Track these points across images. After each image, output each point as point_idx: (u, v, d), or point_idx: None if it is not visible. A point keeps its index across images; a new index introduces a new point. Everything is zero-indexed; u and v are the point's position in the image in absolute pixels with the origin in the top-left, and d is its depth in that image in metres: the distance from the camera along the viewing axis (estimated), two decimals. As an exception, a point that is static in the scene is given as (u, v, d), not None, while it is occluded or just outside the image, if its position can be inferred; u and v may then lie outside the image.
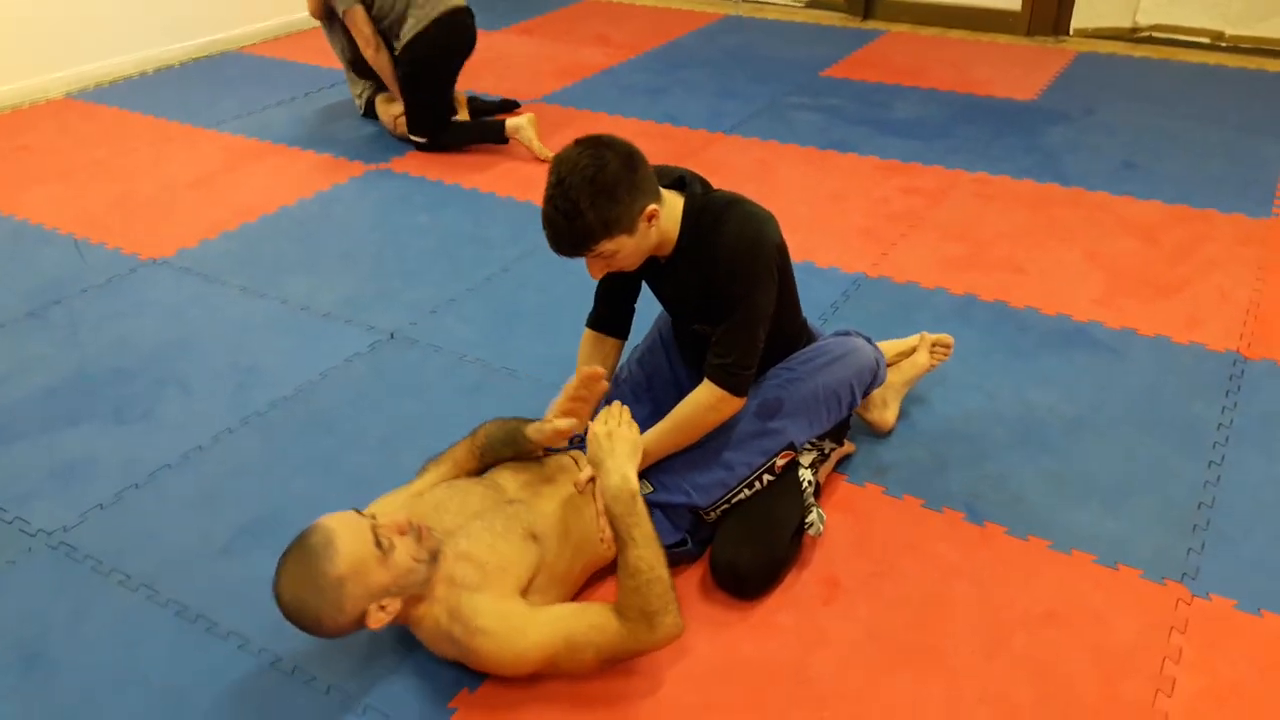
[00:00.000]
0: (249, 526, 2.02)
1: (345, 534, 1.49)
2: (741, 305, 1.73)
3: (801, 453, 1.91)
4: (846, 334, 2.04)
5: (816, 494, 1.92)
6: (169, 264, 3.05)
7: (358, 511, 1.57)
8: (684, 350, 2.04)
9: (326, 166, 3.72)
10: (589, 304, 2.04)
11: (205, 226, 3.27)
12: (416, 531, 1.56)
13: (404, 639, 1.73)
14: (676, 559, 1.81)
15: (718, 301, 1.76)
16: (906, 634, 1.74)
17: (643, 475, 1.83)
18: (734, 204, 1.78)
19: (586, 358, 2.02)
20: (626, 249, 1.69)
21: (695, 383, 1.94)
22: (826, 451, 2.00)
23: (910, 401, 2.33)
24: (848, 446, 2.12)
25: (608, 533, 1.73)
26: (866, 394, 2.02)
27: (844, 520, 1.98)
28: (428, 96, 3.76)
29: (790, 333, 1.95)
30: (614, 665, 1.62)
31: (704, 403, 1.79)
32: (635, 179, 1.65)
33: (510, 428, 1.88)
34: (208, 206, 3.41)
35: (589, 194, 1.60)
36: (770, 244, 1.75)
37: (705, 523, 1.86)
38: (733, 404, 1.79)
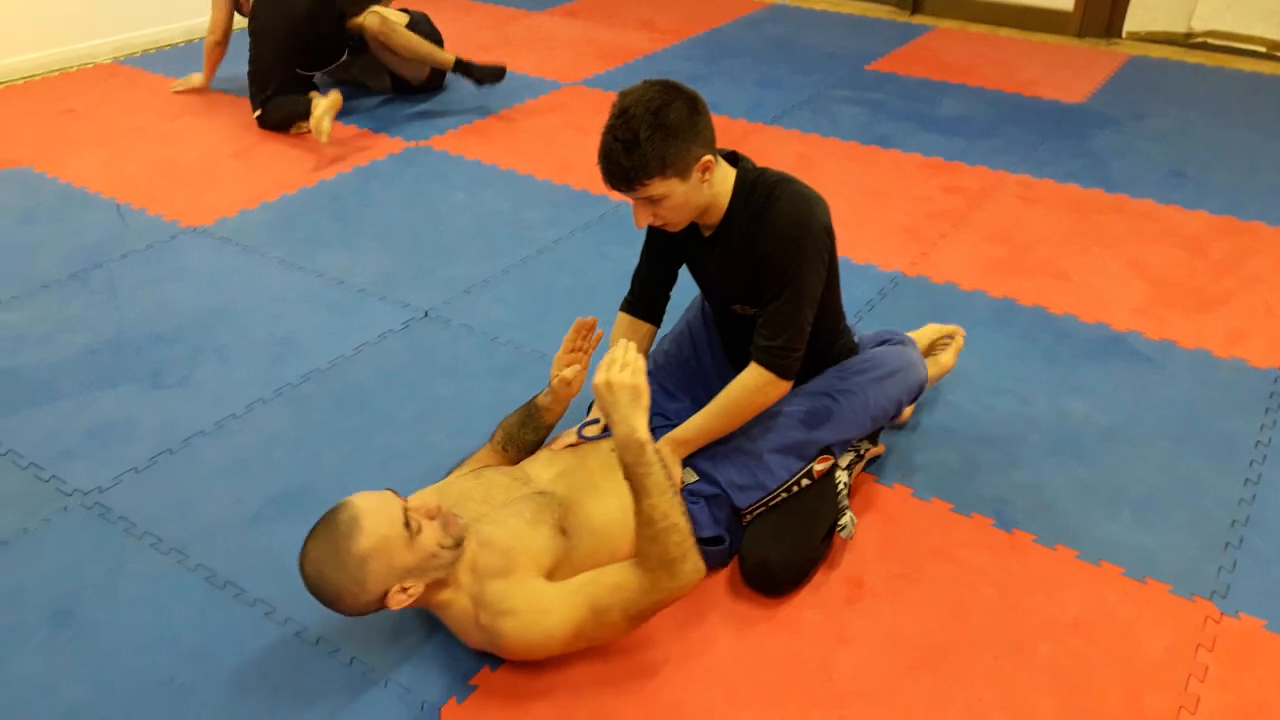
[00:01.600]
0: (279, 497, 2.04)
1: (375, 512, 1.50)
2: (791, 284, 1.73)
3: (839, 457, 1.91)
4: (899, 341, 2.03)
5: (848, 494, 1.92)
6: (209, 233, 3.08)
7: (393, 492, 1.57)
8: (722, 334, 2.04)
9: (366, 141, 3.73)
10: (623, 289, 2.04)
11: (245, 197, 3.29)
12: (444, 518, 1.57)
13: (429, 615, 1.74)
14: (711, 557, 1.80)
15: (765, 280, 1.76)
16: (929, 637, 1.74)
17: (686, 463, 1.83)
18: (786, 182, 1.77)
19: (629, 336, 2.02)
20: (677, 196, 1.68)
21: (729, 372, 1.94)
22: (862, 453, 1.99)
23: (943, 404, 2.31)
24: (878, 448, 2.11)
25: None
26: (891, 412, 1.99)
27: (872, 521, 1.97)
28: (252, 68, 3.82)
29: (831, 325, 1.94)
30: (644, 621, 1.59)
31: (751, 385, 1.79)
32: (697, 125, 1.65)
33: (523, 409, 1.90)
34: (248, 177, 3.44)
35: (650, 126, 1.60)
36: (820, 225, 1.75)
37: (739, 522, 1.85)
38: (780, 387, 1.79)
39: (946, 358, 2.28)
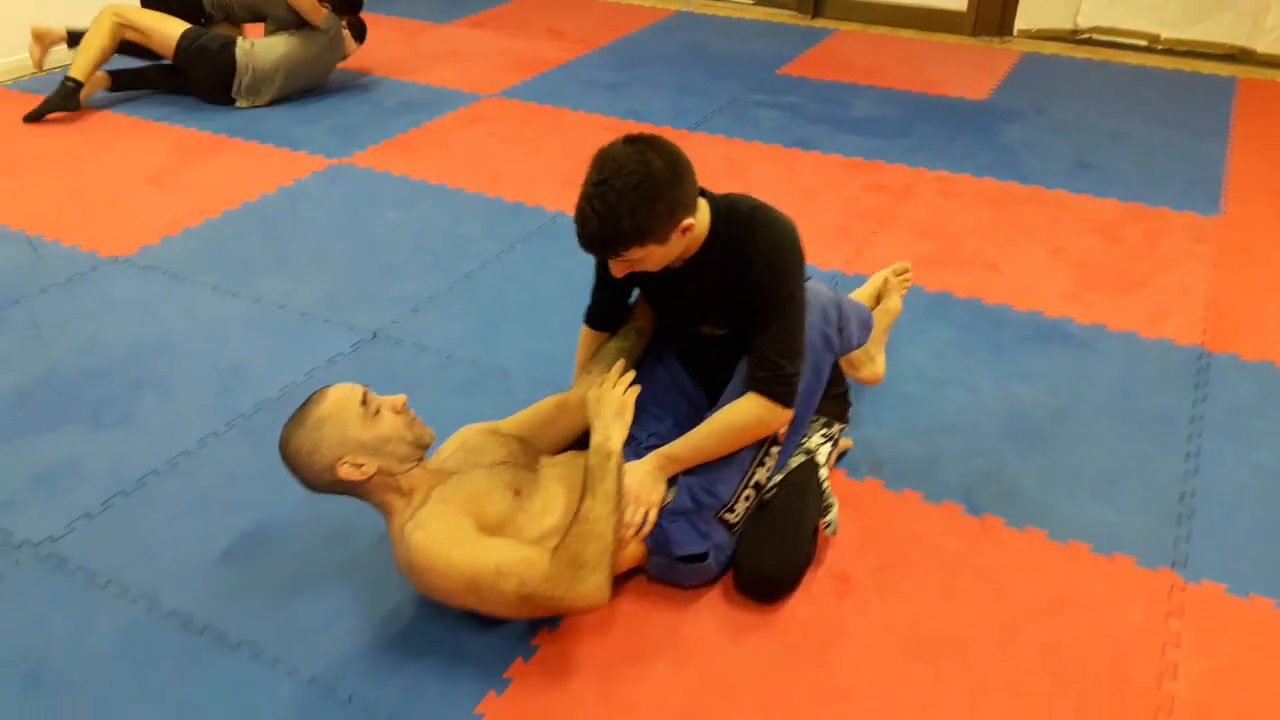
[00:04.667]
0: (248, 533, 1.97)
1: (339, 388, 1.68)
2: (784, 308, 1.74)
3: (809, 436, 1.93)
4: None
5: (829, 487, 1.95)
6: (132, 262, 2.95)
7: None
8: (686, 356, 2.04)
9: (285, 160, 3.63)
10: (577, 300, 2.03)
11: (166, 222, 3.17)
12: (411, 417, 1.71)
13: (425, 647, 1.71)
14: (697, 574, 1.81)
15: (759, 309, 1.75)
16: (921, 626, 1.79)
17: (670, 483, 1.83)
18: (759, 209, 1.79)
19: (587, 355, 2.03)
20: (654, 256, 1.69)
21: (702, 386, 1.96)
22: (835, 437, 2.00)
23: (899, 397, 2.38)
24: (847, 441, 2.16)
25: (629, 532, 1.74)
26: (849, 339, 1.96)
27: (849, 516, 2.01)
28: None
29: None
30: (534, 611, 1.63)
31: (751, 414, 1.75)
32: (679, 191, 1.64)
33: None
34: (166, 202, 3.31)
35: (630, 201, 1.58)
36: (800, 249, 1.77)
37: (730, 531, 1.82)
38: (781, 416, 1.76)
39: (893, 302, 2.31)
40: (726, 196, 1.83)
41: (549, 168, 3.58)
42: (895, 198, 3.39)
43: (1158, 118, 4.06)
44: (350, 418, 1.64)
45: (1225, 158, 3.68)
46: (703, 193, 1.79)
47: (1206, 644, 1.75)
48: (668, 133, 3.85)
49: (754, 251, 1.74)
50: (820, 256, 3.00)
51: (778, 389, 1.74)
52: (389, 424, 1.67)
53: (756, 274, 1.74)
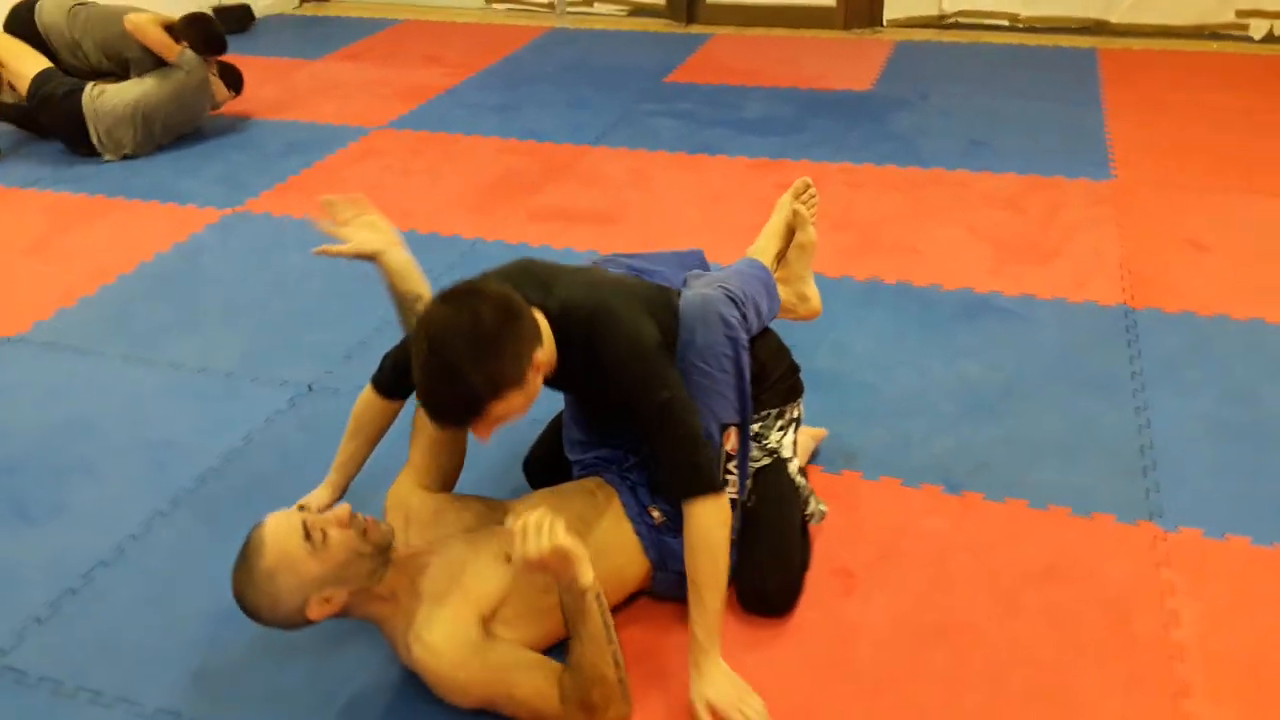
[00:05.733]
0: (219, 615, 1.82)
1: (273, 530, 1.53)
2: (666, 414, 1.60)
3: (769, 429, 1.88)
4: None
5: (803, 476, 1.94)
6: (27, 340, 2.74)
7: (298, 508, 1.61)
8: (590, 417, 1.92)
9: (174, 215, 3.44)
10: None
11: (57, 294, 2.95)
12: (362, 525, 1.56)
13: (434, 707, 1.63)
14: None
15: (637, 418, 1.65)
16: (927, 613, 1.79)
17: (649, 502, 1.77)
18: (595, 316, 1.64)
19: (367, 423, 1.89)
20: (516, 405, 1.53)
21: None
22: (791, 417, 1.94)
23: (855, 386, 2.40)
24: (820, 431, 2.15)
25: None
26: (762, 317, 1.88)
27: (836, 510, 2.01)
28: None
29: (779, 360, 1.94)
30: None
31: (704, 524, 1.60)
32: (519, 327, 1.52)
33: None
34: (52, 272, 3.09)
35: (469, 353, 1.45)
36: (652, 345, 1.64)
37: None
38: (722, 502, 1.63)
39: (808, 235, 2.14)
40: (555, 296, 1.66)
41: (454, 196, 3.49)
42: (806, 192, 3.43)
43: (1034, 93, 4.24)
44: (298, 559, 1.50)
45: (1103, 124, 3.87)
46: (538, 306, 1.63)
47: (1199, 588, 1.81)
48: (570, 150, 3.84)
49: (609, 371, 1.63)
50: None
51: (702, 485, 1.61)
52: (341, 546, 1.52)
53: (622, 393, 1.64)
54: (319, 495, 1.93)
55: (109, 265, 3.11)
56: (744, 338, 1.78)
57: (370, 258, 1.88)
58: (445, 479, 1.88)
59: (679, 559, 1.71)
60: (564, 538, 1.43)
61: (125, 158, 3.89)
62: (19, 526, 2.08)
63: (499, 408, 1.51)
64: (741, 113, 4.18)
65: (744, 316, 1.79)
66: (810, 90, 4.42)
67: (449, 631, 1.53)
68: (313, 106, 4.39)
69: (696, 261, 2.07)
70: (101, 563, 1.97)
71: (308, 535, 1.51)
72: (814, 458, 2.15)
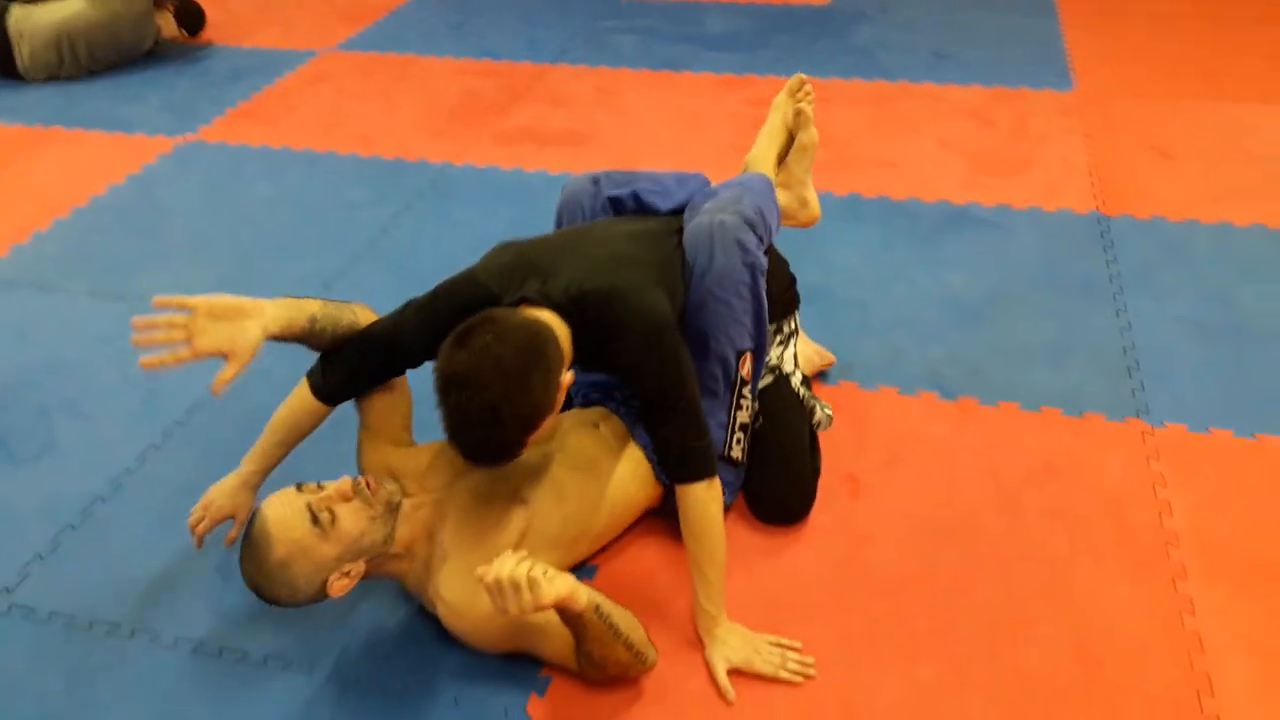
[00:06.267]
0: (222, 541, 1.80)
1: (278, 519, 1.45)
2: (678, 403, 1.57)
3: (769, 346, 1.89)
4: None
5: (807, 385, 1.97)
6: (-15, 278, 2.63)
7: (297, 487, 1.50)
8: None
9: (123, 145, 3.30)
10: (487, 249, 1.75)
11: (11, 230, 2.83)
12: (365, 491, 1.50)
13: (462, 654, 1.63)
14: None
15: (641, 394, 1.62)
16: (936, 512, 1.85)
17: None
18: (611, 299, 1.58)
19: (296, 425, 1.73)
20: (546, 429, 1.50)
21: None
22: (789, 330, 1.96)
23: (843, 302, 2.42)
24: (828, 357, 2.17)
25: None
26: (771, 232, 1.85)
27: (840, 420, 2.04)
28: None
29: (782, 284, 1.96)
30: None
31: (700, 503, 1.58)
32: (544, 361, 1.46)
33: None
34: (2, 207, 2.95)
35: (503, 394, 1.39)
36: (667, 322, 1.60)
37: (736, 466, 1.80)
38: (717, 484, 1.60)
39: (809, 135, 2.05)
40: (559, 282, 1.60)
41: (416, 119, 3.40)
42: (775, 108, 3.40)
43: (990, 3, 4.24)
44: (310, 545, 1.44)
45: (1061, 35, 3.89)
46: (543, 299, 1.58)
47: (1188, 479, 1.89)
48: (530, 69, 3.75)
49: (622, 361, 1.60)
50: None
51: (695, 468, 1.58)
52: (350, 521, 1.47)
53: (635, 382, 1.61)
54: (230, 488, 1.74)
55: (61, 199, 2.98)
56: (763, 261, 1.77)
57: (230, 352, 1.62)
58: (407, 427, 1.80)
59: None
60: (547, 590, 1.31)
61: (51, 79, 3.71)
62: (9, 467, 2.02)
63: (536, 435, 1.49)
64: (703, 29, 4.11)
65: (760, 239, 1.78)
66: (768, 5, 4.35)
67: (470, 595, 1.50)
68: (253, 31, 4.21)
69: (700, 184, 2.03)
70: (99, 498, 1.93)
71: (315, 519, 1.44)
72: (821, 377, 2.17)
